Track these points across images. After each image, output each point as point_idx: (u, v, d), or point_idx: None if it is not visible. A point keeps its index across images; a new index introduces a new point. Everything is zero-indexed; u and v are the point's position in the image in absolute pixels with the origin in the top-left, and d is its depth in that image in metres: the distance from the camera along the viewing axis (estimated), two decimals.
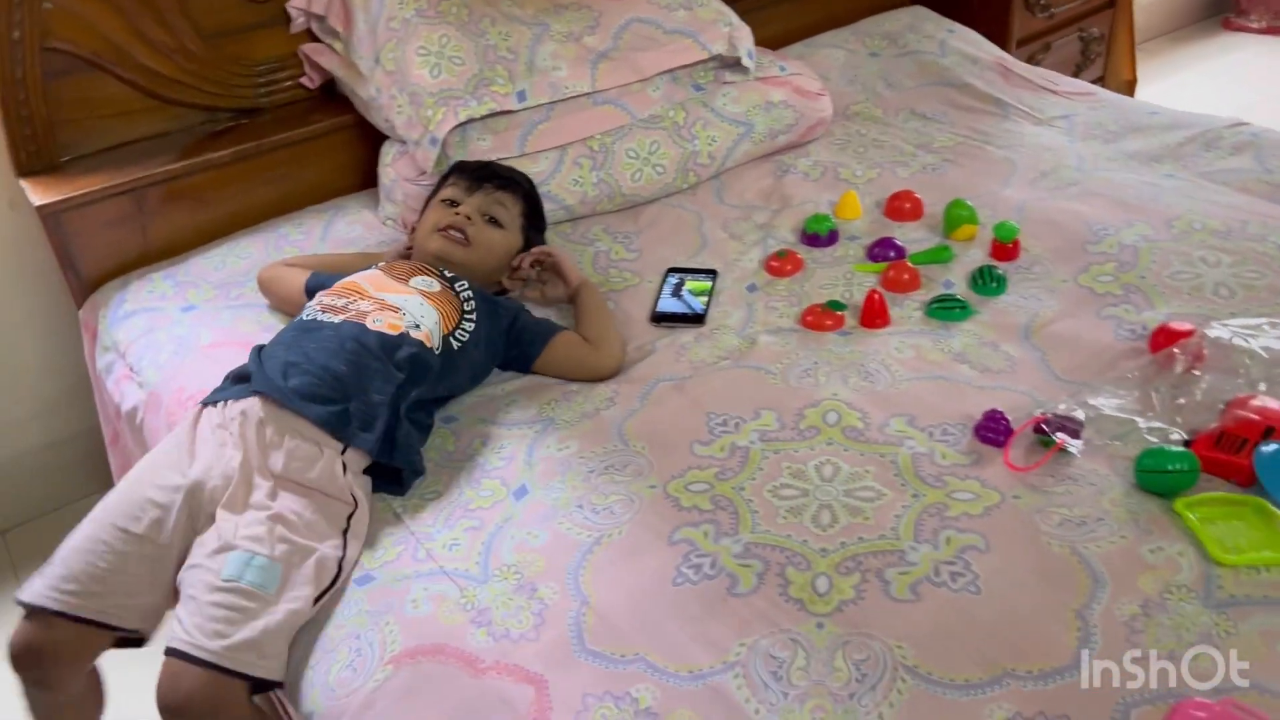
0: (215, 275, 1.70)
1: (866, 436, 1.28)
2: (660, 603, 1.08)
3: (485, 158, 1.72)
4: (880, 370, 1.41)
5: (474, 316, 1.41)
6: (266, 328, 1.56)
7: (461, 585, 1.14)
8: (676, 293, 1.62)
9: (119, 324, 1.64)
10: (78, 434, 2.08)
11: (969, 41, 2.38)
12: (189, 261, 1.74)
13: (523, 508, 1.23)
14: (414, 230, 1.60)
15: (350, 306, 1.35)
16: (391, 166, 1.78)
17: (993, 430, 1.26)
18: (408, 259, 1.60)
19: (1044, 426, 1.24)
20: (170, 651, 1.07)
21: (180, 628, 1.08)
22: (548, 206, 1.75)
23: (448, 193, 1.58)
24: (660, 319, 1.57)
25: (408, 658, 1.06)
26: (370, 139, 1.88)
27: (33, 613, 1.14)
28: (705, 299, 1.60)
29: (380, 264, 1.49)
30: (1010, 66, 2.29)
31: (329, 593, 1.15)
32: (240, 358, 1.46)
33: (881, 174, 1.92)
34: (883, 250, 1.68)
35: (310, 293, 1.50)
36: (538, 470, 1.28)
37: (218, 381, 1.41)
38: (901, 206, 1.78)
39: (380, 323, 1.32)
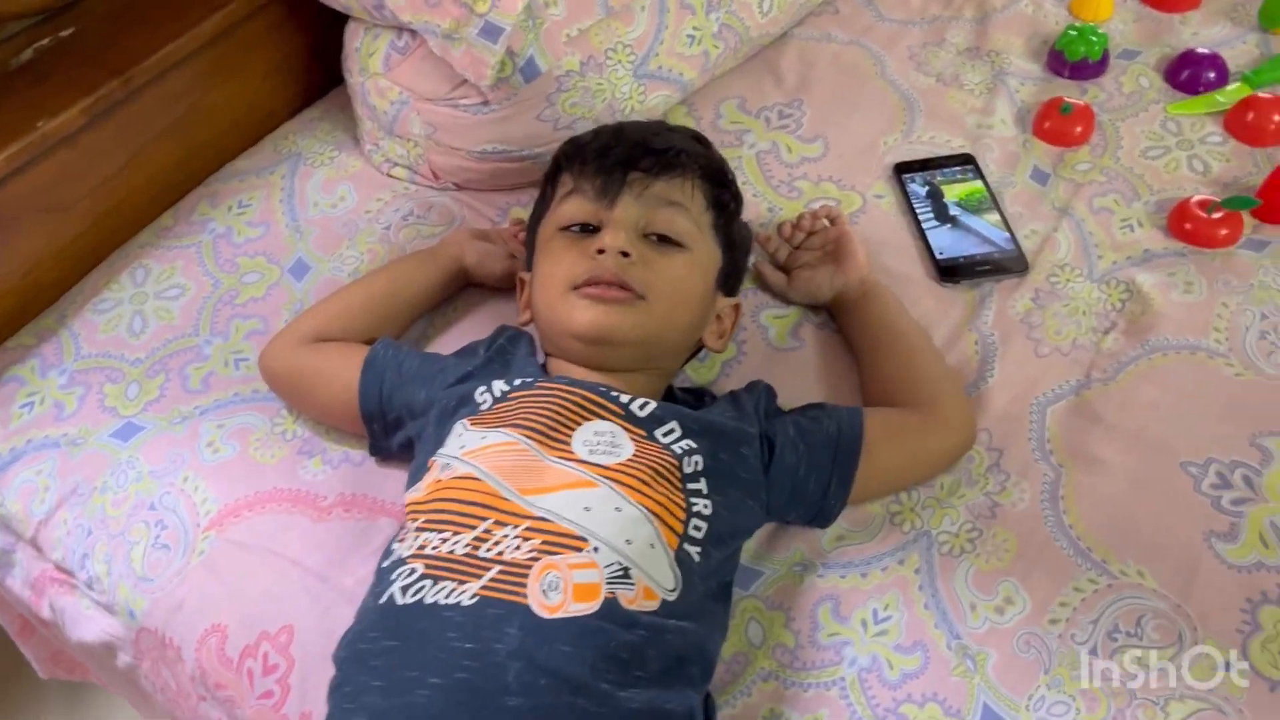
0: (141, 346, 0.94)
1: None
2: None
3: (564, 31, 0.98)
4: None
5: (703, 472, 0.72)
6: (305, 446, 0.86)
7: None
8: (940, 215, 1.00)
9: None
10: None
11: None
12: (72, 326, 0.96)
13: None
14: (523, 285, 0.86)
15: (481, 555, 0.65)
16: (389, 78, 1.00)
17: None
18: (501, 270, 0.92)
19: None
20: None
21: None
22: (659, 91, 1.06)
23: (569, 210, 0.82)
24: (953, 273, 0.96)
25: None
26: (309, 20, 1.07)
27: None
28: (997, 217, 1.00)
29: (497, 387, 0.76)
30: None
31: None
32: (294, 526, 0.80)
33: None
34: (1195, 72, 1.09)
35: (375, 417, 0.81)
36: (990, 667, 0.72)
37: (272, 604, 0.78)
38: None
39: (557, 591, 0.63)
